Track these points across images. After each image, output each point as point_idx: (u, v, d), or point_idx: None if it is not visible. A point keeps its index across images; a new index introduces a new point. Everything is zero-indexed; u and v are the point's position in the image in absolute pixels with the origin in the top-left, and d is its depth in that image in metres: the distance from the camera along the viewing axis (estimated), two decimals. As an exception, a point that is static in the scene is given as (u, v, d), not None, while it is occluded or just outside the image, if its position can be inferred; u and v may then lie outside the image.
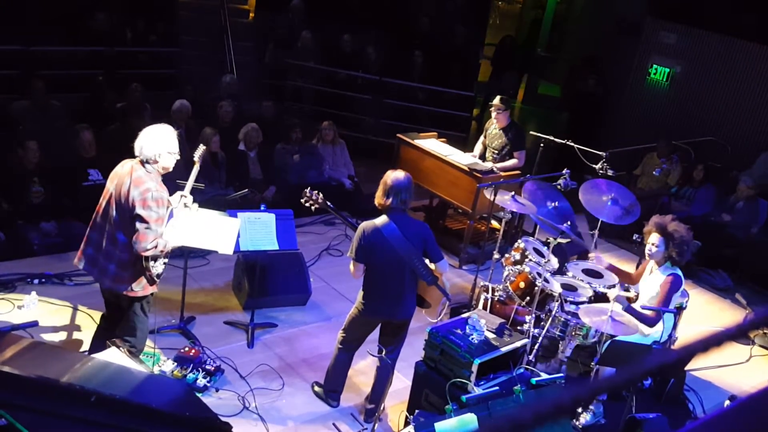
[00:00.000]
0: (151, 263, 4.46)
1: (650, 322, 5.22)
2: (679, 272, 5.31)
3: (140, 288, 4.52)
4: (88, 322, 5.59)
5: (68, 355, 3.51)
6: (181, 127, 8.07)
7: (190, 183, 4.78)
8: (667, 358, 1.25)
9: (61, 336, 5.43)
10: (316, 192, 5.30)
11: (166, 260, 4.63)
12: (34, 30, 8.82)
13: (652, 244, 5.33)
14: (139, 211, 4.28)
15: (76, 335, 5.44)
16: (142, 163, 4.41)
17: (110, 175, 4.54)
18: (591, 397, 4.47)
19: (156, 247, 4.36)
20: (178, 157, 4.57)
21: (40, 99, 8.00)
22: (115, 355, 3.84)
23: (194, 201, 5.23)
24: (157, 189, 4.36)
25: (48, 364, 3.11)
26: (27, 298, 5.67)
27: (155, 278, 4.54)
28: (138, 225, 4.28)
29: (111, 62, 9.33)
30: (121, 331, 4.65)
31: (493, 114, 7.44)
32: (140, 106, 8.22)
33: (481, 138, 7.78)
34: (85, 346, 5.26)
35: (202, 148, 4.91)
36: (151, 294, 4.67)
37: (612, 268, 5.90)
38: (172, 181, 5.96)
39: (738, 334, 1.22)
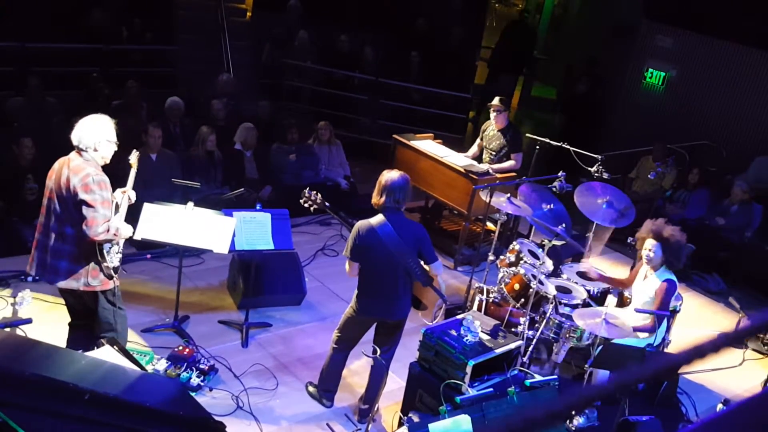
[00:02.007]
0: (107, 255, 4.42)
1: (651, 330, 5.23)
2: (674, 277, 5.33)
3: (98, 282, 4.48)
4: (82, 320, 5.58)
5: (62, 353, 3.50)
6: (176, 125, 8.07)
7: (130, 182, 4.74)
8: (674, 359, 1.25)
9: (55, 333, 5.40)
10: (315, 192, 5.29)
11: (120, 253, 4.60)
12: (30, 27, 8.80)
13: (649, 250, 5.33)
14: (82, 196, 4.23)
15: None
16: (80, 153, 4.36)
17: (48, 173, 4.47)
18: (600, 397, 4.44)
19: (108, 230, 4.31)
20: (116, 148, 4.52)
21: (36, 96, 7.98)
22: (109, 354, 3.84)
23: (190, 200, 5.23)
24: (97, 173, 4.32)
25: (42, 361, 3.10)
26: (21, 296, 5.65)
27: (113, 272, 4.51)
28: (85, 211, 4.24)
29: (107, 60, 9.31)
30: (99, 331, 4.62)
31: (492, 115, 7.45)
32: (137, 103, 8.21)
33: (478, 140, 7.79)
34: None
35: (136, 153, 4.90)
36: (116, 286, 4.63)
37: (602, 278, 5.91)
38: (168, 180, 5.97)
39: (745, 336, 1.23)
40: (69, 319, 4.93)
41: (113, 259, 4.51)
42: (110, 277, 4.52)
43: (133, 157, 4.85)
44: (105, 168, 4.47)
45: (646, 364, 1.22)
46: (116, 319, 4.68)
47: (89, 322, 4.70)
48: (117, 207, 4.53)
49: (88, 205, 4.24)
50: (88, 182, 4.25)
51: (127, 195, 4.68)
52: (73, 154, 4.38)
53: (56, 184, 4.37)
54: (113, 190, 4.51)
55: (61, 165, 4.39)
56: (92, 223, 4.25)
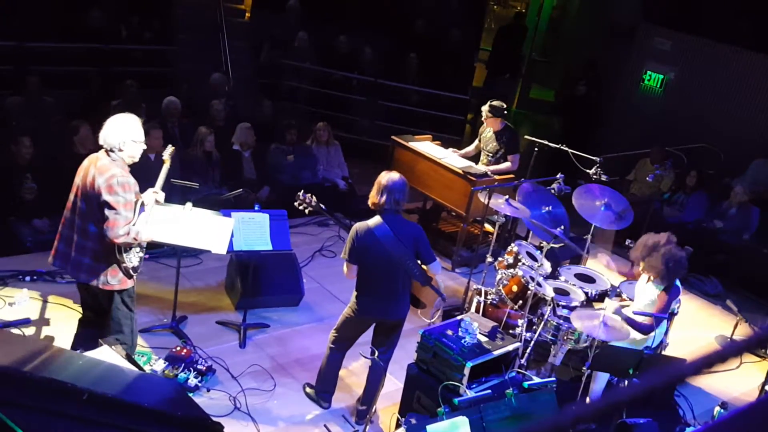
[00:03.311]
0: (125, 255, 4.42)
1: (647, 330, 5.22)
2: (677, 281, 5.33)
3: (117, 281, 4.48)
4: (80, 319, 5.57)
5: (60, 353, 3.49)
6: (175, 125, 8.06)
7: (160, 180, 4.74)
8: (684, 370, 1.25)
9: (53, 333, 5.41)
10: (310, 195, 5.29)
11: (142, 253, 4.60)
12: (29, 26, 8.79)
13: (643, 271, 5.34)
14: (105, 197, 4.25)
15: (67, 333, 5.41)
16: (107, 152, 4.38)
17: (78, 170, 4.50)
18: (628, 403, 4.36)
19: (128, 233, 4.32)
20: (144, 146, 4.53)
21: (34, 95, 7.96)
22: (107, 354, 3.83)
23: (188, 200, 5.22)
24: (122, 174, 4.33)
25: (40, 361, 3.09)
26: (18, 295, 5.65)
27: (131, 272, 4.51)
28: (107, 212, 4.25)
29: (106, 59, 9.30)
30: (108, 330, 4.61)
31: (484, 119, 7.47)
32: (135, 103, 8.19)
33: (476, 141, 7.80)
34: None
35: (171, 147, 4.89)
36: (132, 287, 4.63)
37: (621, 272, 5.84)
38: (166, 180, 5.93)
39: (754, 347, 1.24)
40: (70, 317, 4.93)
41: (132, 258, 4.51)
42: (129, 276, 4.53)
43: (167, 153, 4.82)
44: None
45: (657, 375, 1.21)
46: (128, 321, 4.68)
47: (99, 319, 4.70)
48: (143, 206, 4.51)
49: (110, 207, 4.26)
50: (113, 183, 4.27)
51: (155, 197, 4.66)
52: (101, 153, 4.40)
53: (83, 181, 4.39)
54: (141, 190, 4.51)
55: (90, 163, 4.41)
56: (113, 224, 4.26)
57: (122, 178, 4.31)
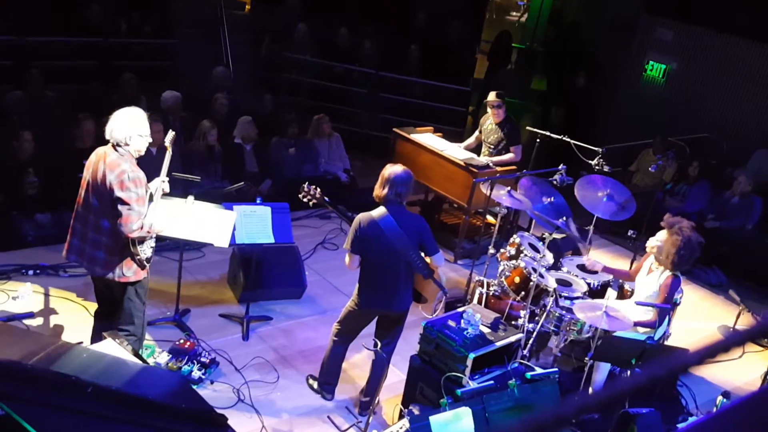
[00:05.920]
0: (139, 247, 4.45)
1: (652, 325, 5.23)
2: (678, 273, 5.33)
3: (132, 273, 4.53)
4: (83, 313, 5.59)
5: (64, 346, 3.50)
6: (175, 119, 8.05)
7: (164, 168, 4.73)
8: (686, 360, 1.25)
9: (56, 327, 5.43)
10: (314, 187, 5.29)
11: (154, 244, 4.62)
12: (29, 20, 8.77)
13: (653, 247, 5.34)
14: (118, 194, 4.28)
15: (70, 326, 5.44)
16: (114, 147, 4.39)
17: (86, 164, 4.52)
18: (631, 393, 4.41)
19: (142, 227, 4.36)
20: (150, 140, 4.53)
21: (35, 90, 7.96)
22: (111, 347, 3.84)
23: (190, 194, 5.23)
24: (132, 170, 4.35)
25: (43, 354, 3.10)
26: (21, 289, 5.66)
27: (145, 262, 4.54)
28: (120, 208, 4.28)
29: (106, 53, 9.29)
30: (118, 321, 4.64)
31: (490, 110, 7.46)
32: (135, 97, 8.18)
33: (476, 133, 7.79)
34: (80, 337, 5.25)
35: (171, 133, 4.87)
36: (145, 278, 4.66)
37: (607, 270, 5.88)
38: (168, 173, 5.94)
39: (757, 336, 1.24)
40: (73, 310, 4.94)
41: (146, 250, 4.54)
42: (143, 267, 4.57)
43: (168, 140, 4.79)
44: None
45: (660, 365, 1.21)
46: (139, 313, 4.72)
47: (115, 311, 4.73)
48: (151, 197, 4.52)
49: (123, 203, 4.28)
50: (124, 179, 4.29)
51: (161, 186, 4.66)
52: (108, 149, 4.42)
53: (93, 177, 4.40)
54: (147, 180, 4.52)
55: (98, 159, 4.42)
56: (127, 220, 4.29)
57: (133, 174, 4.33)
